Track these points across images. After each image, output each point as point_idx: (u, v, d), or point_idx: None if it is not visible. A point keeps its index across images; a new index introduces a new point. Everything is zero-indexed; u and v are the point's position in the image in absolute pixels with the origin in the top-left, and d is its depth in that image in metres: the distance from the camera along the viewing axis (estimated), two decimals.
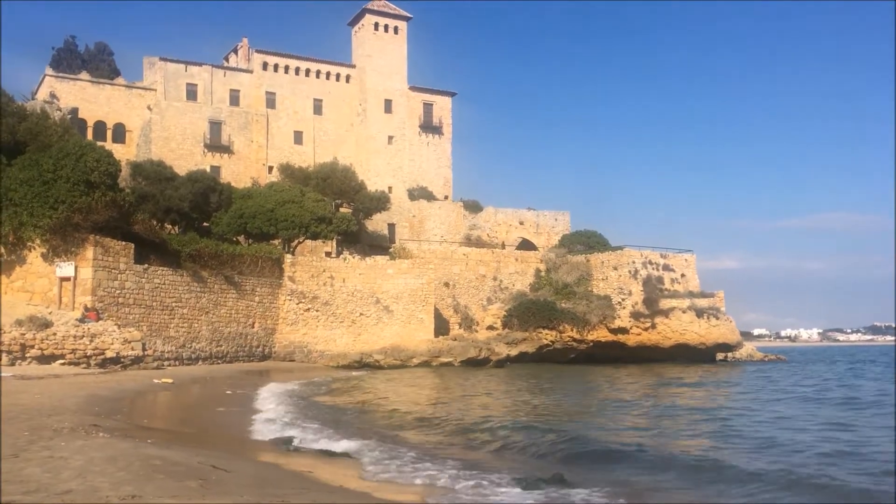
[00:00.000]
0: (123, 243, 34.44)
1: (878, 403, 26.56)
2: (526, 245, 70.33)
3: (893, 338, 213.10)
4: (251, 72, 69.40)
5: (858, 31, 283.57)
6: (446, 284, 55.73)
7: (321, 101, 71.99)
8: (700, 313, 57.36)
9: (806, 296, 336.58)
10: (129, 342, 30.51)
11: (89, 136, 59.81)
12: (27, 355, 26.58)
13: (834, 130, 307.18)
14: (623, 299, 56.67)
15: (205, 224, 49.64)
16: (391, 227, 68.18)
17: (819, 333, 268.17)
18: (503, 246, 68.35)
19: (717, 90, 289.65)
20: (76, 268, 31.88)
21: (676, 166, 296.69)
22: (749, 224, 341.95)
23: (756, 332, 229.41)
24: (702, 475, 12.97)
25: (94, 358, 28.53)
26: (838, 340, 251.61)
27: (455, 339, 51.01)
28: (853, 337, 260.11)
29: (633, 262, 58.04)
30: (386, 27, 74.22)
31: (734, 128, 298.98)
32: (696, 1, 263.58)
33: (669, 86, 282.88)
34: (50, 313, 29.64)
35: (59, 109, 52.21)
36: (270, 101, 69.61)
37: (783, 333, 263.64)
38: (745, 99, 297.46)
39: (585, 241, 66.63)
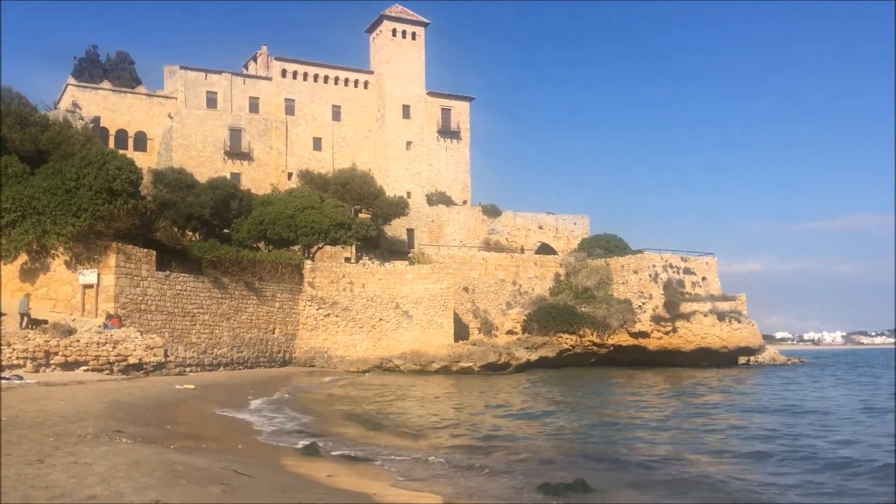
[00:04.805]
0: (145, 250, 34.70)
1: None
2: (545, 249, 70.04)
3: None
4: (270, 79, 69.87)
5: (882, 29, 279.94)
6: (466, 289, 55.64)
7: (340, 107, 72.35)
8: (721, 317, 56.85)
9: (829, 298, 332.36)
10: (152, 348, 30.68)
11: (111, 144, 60.59)
12: (51, 362, 26.82)
13: (861, 131, 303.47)
14: (643, 303, 56.27)
15: (225, 231, 49.97)
16: (410, 232, 68.23)
17: (843, 336, 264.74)
18: (522, 250, 68.15)
19: (742, 91, 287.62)
20: (99, 275, 32.16)
21: (698, 169, 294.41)
22: (773, 226, 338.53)
23: (779, 335, 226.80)
24: None
25: (116, 364, 28.71)
26: (862, 343, 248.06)
27: (475, 344, 50.90)
28: (877, 340, 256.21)
29: (654, 266, 57.62)
30: (404, 33, 74.49)
31: (758, 129, 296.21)
32: (717, 0, 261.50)
33: (691, 88, 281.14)
34: (73, 320, 29.89)
35: (82, 118, 52.90)
36: (289, 108, 70.07)
37: (806, 337, 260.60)
38: (770, 99, 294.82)
39: (605, 245, 66.32)
